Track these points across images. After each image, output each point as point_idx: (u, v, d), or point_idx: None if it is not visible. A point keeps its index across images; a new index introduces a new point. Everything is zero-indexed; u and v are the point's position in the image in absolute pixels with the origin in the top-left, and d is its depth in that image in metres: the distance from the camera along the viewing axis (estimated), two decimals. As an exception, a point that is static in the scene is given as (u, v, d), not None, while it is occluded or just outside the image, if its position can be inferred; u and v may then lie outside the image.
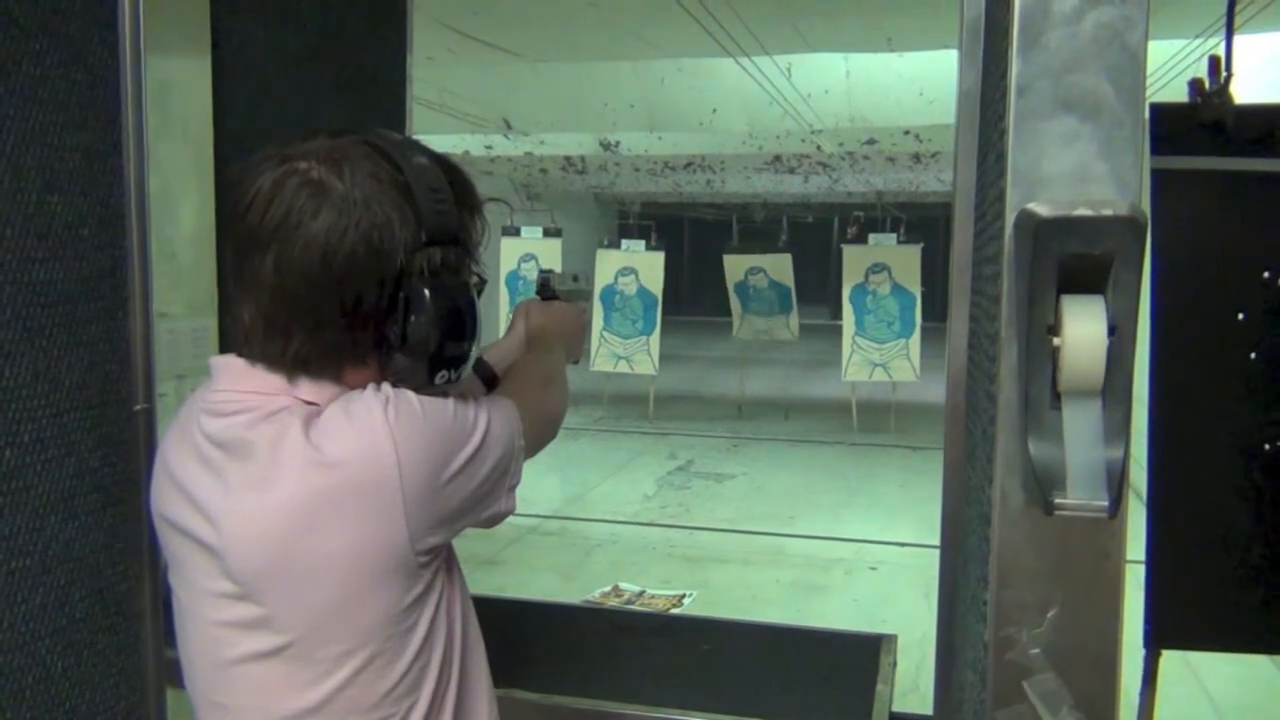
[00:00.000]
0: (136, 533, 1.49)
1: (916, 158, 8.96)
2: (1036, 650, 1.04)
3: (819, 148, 8.51)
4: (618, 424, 9.94)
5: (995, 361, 1.07)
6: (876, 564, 5.83)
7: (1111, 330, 0.96)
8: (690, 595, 5.22)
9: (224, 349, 1.05)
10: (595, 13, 5.08)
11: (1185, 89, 1.38)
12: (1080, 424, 0.97)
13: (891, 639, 1.91)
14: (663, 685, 1.71)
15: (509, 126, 7.83)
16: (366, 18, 2.08)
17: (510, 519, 1.11)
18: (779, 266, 10.27)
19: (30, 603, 1.32)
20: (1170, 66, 4.67)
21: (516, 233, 9.61)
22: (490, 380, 1.41)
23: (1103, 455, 0.97)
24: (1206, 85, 1.36)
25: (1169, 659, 1.45)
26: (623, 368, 9.75)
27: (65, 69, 1.35)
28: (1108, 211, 0.98)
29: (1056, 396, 0.99)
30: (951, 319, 1.47)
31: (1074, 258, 0.98)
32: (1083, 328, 0.96)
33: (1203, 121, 1.38)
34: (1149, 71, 1.01)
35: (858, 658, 1.84)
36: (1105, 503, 0.95)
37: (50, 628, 1.35)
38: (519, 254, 9.64)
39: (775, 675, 1.78)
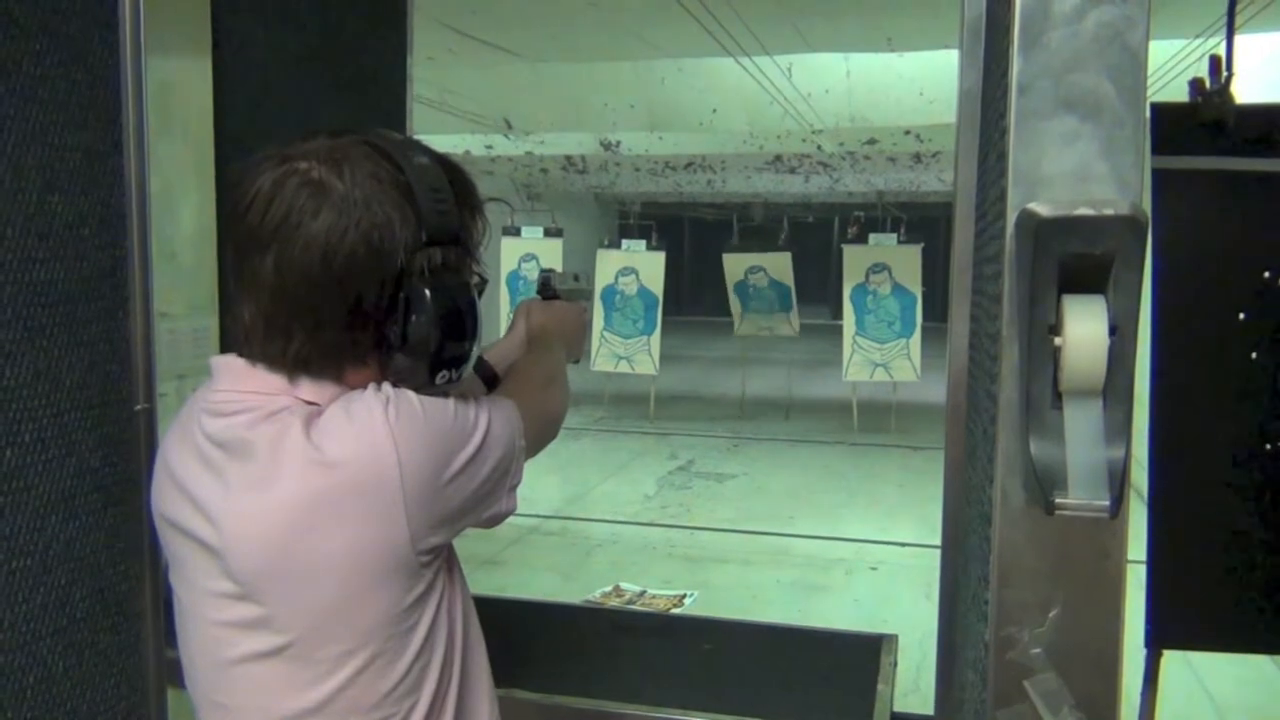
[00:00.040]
0: (137, 533, 1.49)
1: (917, 157, 8.96)
2: (1037, 650, 1.04)
3: (819, 147, 8.51)
4: (618, 424, 9.94)
5: (996, 361, 1.07)
6: (877, 564, 5.82)
7: (1112, 330, 0.96)
8: (691, 595, 5.22)
9: (224, 349, 1.05)
10: (595, 13, 5.08)
11: (1186, 89, 1.38)
12: (1081, 424, 0.97)
13: (892, 639, 1.91)
14: (663, 685, 1.71)
15: (509, 126, 7.83)
16: (366, 18, 2.08)
17: (511, 519, 1.11)
18: (779, 265, 10.27)
19: (31, 602, 1.32)
20: (1171, 66, 4.66)
21: (517, 233, 9.61)
22: (491, 380, 1.41)
23: (1104, 455, 0.97)
24: (1207, 85, 1.36)
25: (1170, 659, 1.45)
26: (623, 368, 9.75)
27: (66, 69, 1.35)
28: (1109, 211, 0.98)
29: (1057, 396, 0.99)
30: (952, 319, 1.47)
31: (1075, 257, 0.98)
32: (1084, 327, 0.96)
33: (1203, 121, 1.37)
34: (1149, 71, 1.01)
35: (859, 658, 1.84)
36: (1106, 502, 0.95)
37: (51, 627, 1.36)
38: (520, 254, 9.64)
39: (776, 675, 1.78)
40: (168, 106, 1.96)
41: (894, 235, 9.45)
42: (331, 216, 0.95)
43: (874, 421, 9.55)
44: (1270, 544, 1.40)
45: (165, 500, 1.05)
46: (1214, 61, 1.36)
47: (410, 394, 0.99)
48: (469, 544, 1.08)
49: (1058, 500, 0.96)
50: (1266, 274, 1.39)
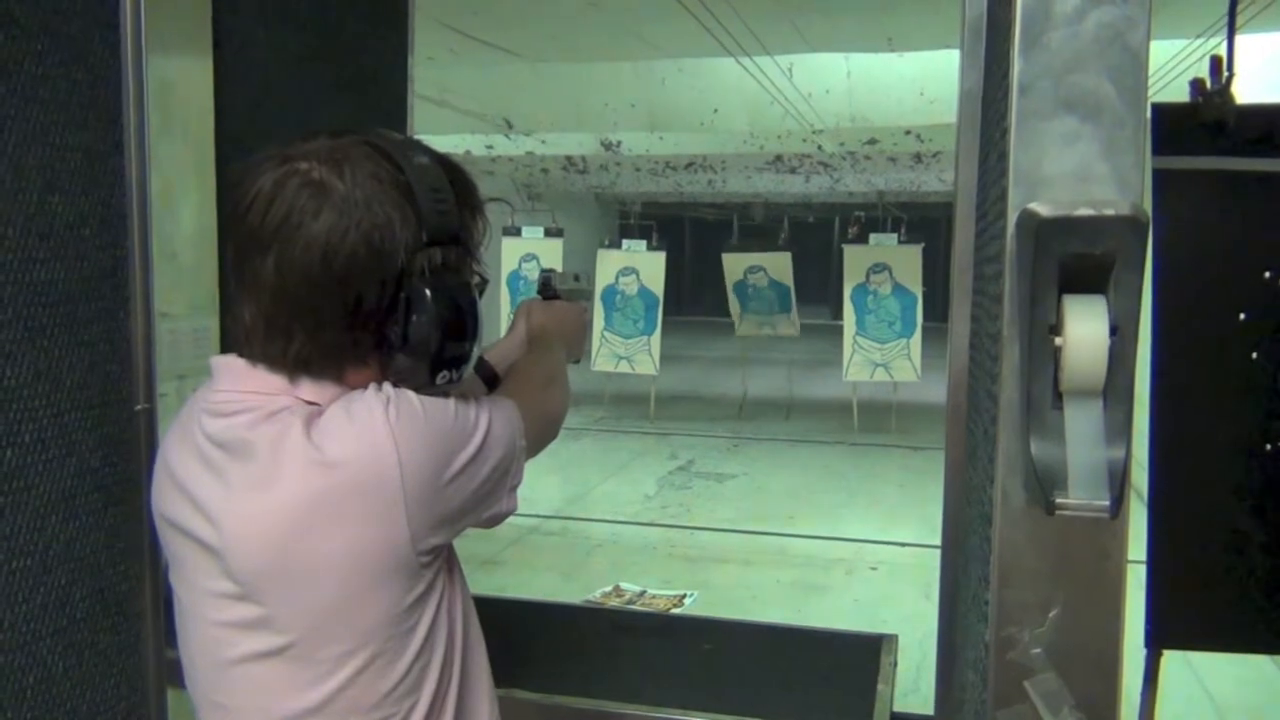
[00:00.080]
0: (137, 533, 1.49)
1: (918, 157, 8.96)
2: (1038, 650, 1.04)
3: (820, 148, 8.51)
4: (618, 424, 9.94)
5: (997, 361, 1.07)
6: (877, 564, 5.82)
7: (1113, 330, 0.96)
8: (691, 595, 5.22)
9: (225, 349, 1.05)
10: (595, 13, 5.08)
11: (1187, 89, 1.38)
12: (1082, 424, 0.97)
13: (892, 639, 1.91)
14: (663, 685, 1.71)
15: (510, 126, 7.83)
16: (367, 18, 2.08)
17: (511, 519, 1.11)
18: (778, 265, 10.26)
19: (31, 602, 1.32)
20: (1172, 66, 4.66)
21: (517, 233, 9.61)
22: (491, 380, 1.41)
23: (1104, 455, 0.97)
24: (1208, 85, 1.36)
25: (1170, 659, 1.45)
26: (624, 368, 9.75)
27: (66, 69, 1.35)
28: (1109, 211, 0.97)
29: (1058, 396, 0.99)
30: (953, 319, 1.47)
31: (1075, 258, 0.98)
32: (1084, 327, 0.96)
33: (1204, 121, 1.37)
34: (1150, 71, 1.01)
35: (859, 658, 1.84)
36: (1107, 503, 0.95)
37: (51, 628, 1.35)
38: (520, 254, 9.64)
39: (776, 675, 1.78)
40: (168, 106, 1.96)
41: (894, 235, 9.45)
42: (332, 217, 0.95)
43: (874, 421, 9.55)
44: (1270, 544, 1.40)
45: (165, 500, 1.05)
46: (1215, 62, 1.36)
47: (411, 394, 0.99)
48: (469, 544, 1.08)
49: (1058, 500, 0.96)
50: (1267, 274, 1.39)
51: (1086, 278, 0.98)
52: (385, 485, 0.95)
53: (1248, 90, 1.36)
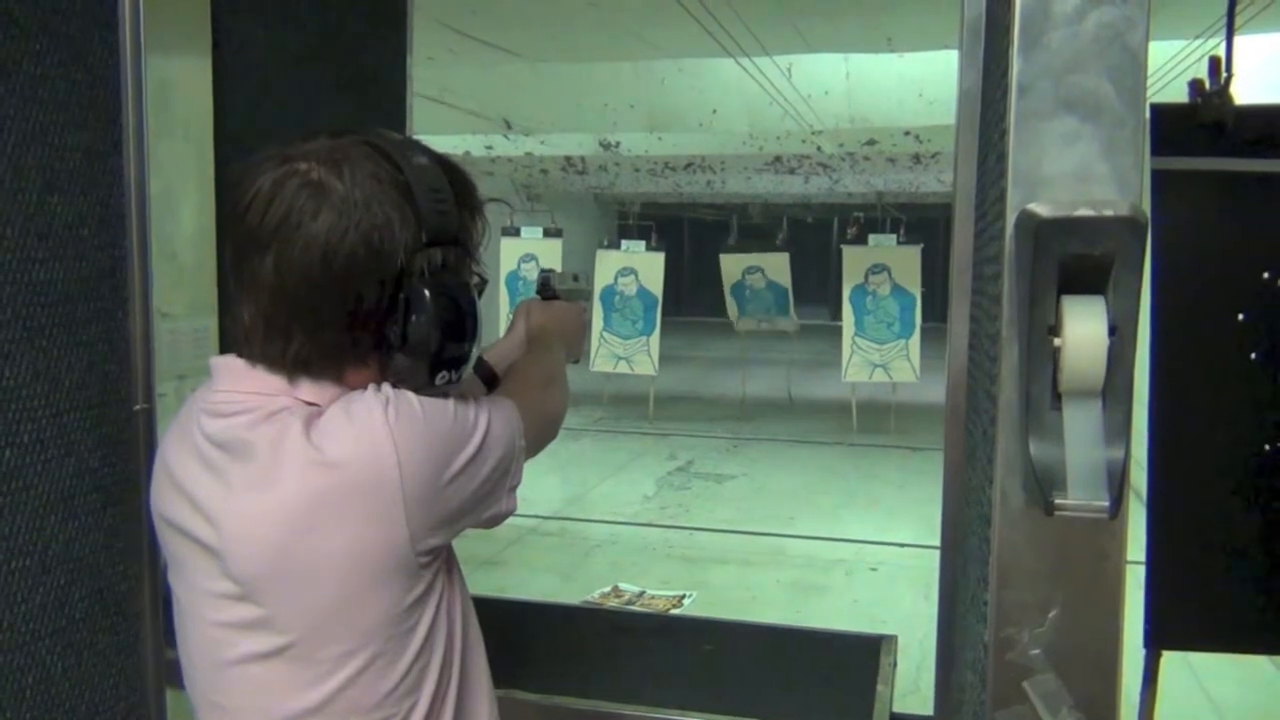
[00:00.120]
0: (136, 533, 1.49)
1: (917, 158, 8.96)
2: (1037, 651, 1.04)
3: (819, 148, 8.50)
4: (618, 424, 9.94)
5: (996, 362, 1.07)
6: (876, 565, 5.82)
7: (1112, 330, 0.96)
8: (690, 596, 5.22)
9: (224, 349, 1.05)
10: (595, 13, 5.08)
11: (1185, 89, 1.38)
12: (1081, 424, 0.97)
13: (892, 639, 1.91)
14: (663, 686, 1.71)
15: (509, 126, 7.83)
16: (366, 18, 2.08)
17: (510, 519, 1.11)
18: (776, 266, 10.27)
19: (30, 603, 1.32)
20: (1171, 67, 4.66)
21: (516, 233, 9.61)
22: (490, 380, 1.41)
23: (1103, 456, 0.97)
24: (1207, 86, 1.36)
25: (1169, 659, 1.45)
26: (623, 368, 9.75)
27: (66, 69, 1.35)
28: (1108, 212, 0.97)
29: (1057, 397, 0.99)
30: (952, 319, 1.47)
31: (1075, 258, 0.98)
32: (1083, 328, 0.96)
33: (1203, 122, 1.37)
34: (1149, 72, 1.01)
35: (858, 658, 1.84)
36: (1106, 503, 0.95)
37: (50, 628, 1.35)
38: (519, 254, 9.64)
39: (775, 676, 1.78)
40: (168, 106, 1.96)
41: (893, 236, 9.46)
42: (331, 217, 0.95)
43: (873, 422, 9.55)
44: (1269, 545, 1.40)
45: (164, 500, 1.05)
46: (1213, 62, 1.36)
47: (410, 395, 0.99)
48: (468, 544, 1.08)
49: (1057, 501, 0.96)
50: (1266, 274, 1.39)
51: (1086, 278, 0.98)
52: (384, 486, 0.95)
53: (1246, 91, 1.37)
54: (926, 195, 13.35)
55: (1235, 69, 1.35)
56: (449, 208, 1.02)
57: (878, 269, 9.15)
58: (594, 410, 10.23)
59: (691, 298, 19.72)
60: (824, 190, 13.06)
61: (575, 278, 1.61)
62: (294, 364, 0.99)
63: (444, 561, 1.05)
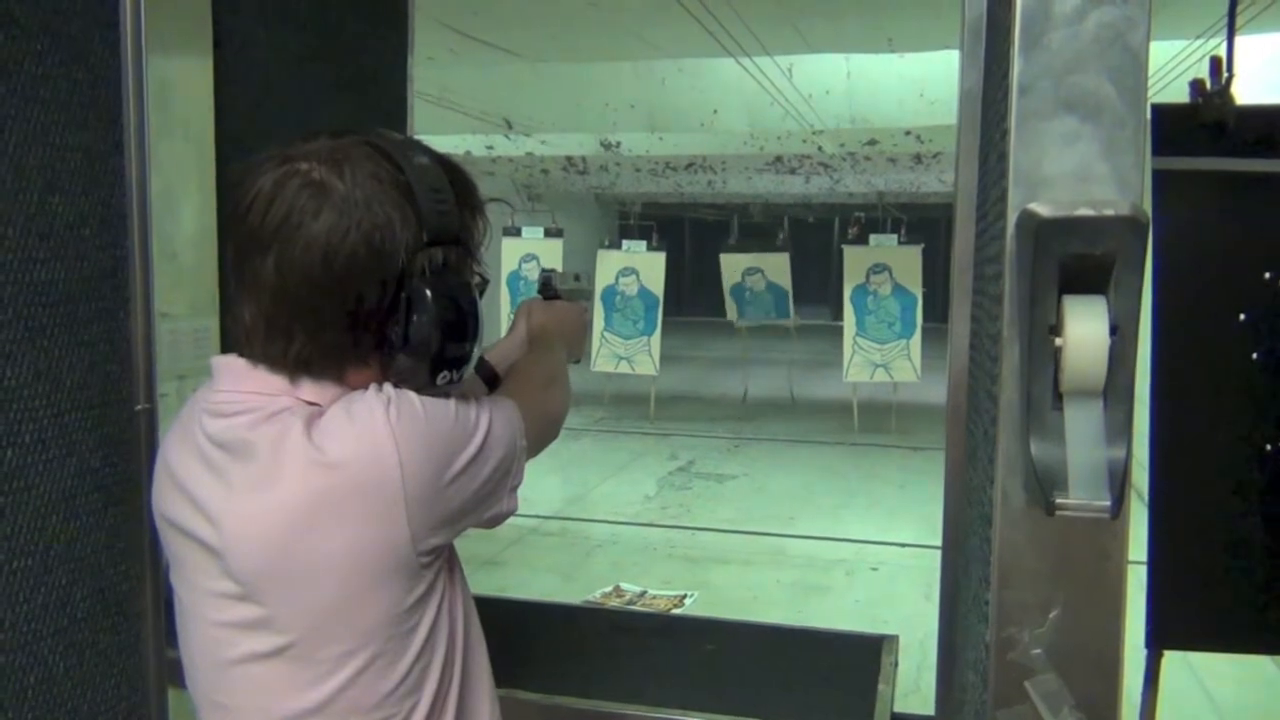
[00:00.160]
0: (138, 533, 1.49)
1: (918, 158, 8.96)
2: (1038, 651, 1.04)
3: (820, 148, 8.50)
4: (619, 424, 9.94)
5: (997, 362, 1.07)
6: (877, 564, 5.82)
7: (1113, 330, 0.96)
8: (691, 596, 5.22)
9: (225, 349, 1.05)
10: (595, 13, 5.09)
11: (1186, 90, 1.38)
12: (1082, 424, 0.97)
13: (893, 639, 1.91)
14: (664, 686, 1.71)
15: (510, 126, 7.83)
16: (367, 18, 2.09)
17: (511, 519, 1.11)
18: (776, 266, 10.26)
19: (32, 602, 1.32)
20: (1172, 67, 4.66)
21: (518, 233, 9.62)
22: (492, 380, 1.41)
23: (1104, 455, 0.97)
24: (1208, 86, 1.36)
25: (1170, 659, 1.45)
26: (624, 368, 9.75)
27: (67, 69, 1.35)
28: (1109, 212, 0.97)
29: (1058, 397, 0.99)
30: (953, 319, 1.47)
31: (1075, 258, 0.98)
32: (1084, 328, 0.96)
33: (1204, 122, 1.38)
34: (1150, 72, 1.01)
35: (859, 658, 1.84)
36: (1107, 503, 0.95)
37: (52, 628, 1.35)
38: (520, 254, 9.65)
39: (777, 676, 1.78)
40: (169, 106, 1.96)
41: (894, 236, 9.47)
42: (332, 217, 0.95)
43: (874, 422, 9.55)
44: (1271, 545, 1.40)
45: (166, 500, 1.05)
46: (1214, 62, 1.36)
47: (411, 395, 0.99)
48: (469, 544, 1.08)
49: (1058, 501, 0.96)
50: (1267, 274, 1.39)
51: (1086, 278, 0.98)
52: (386, 486, 0.95)
53: (1247, 91, 1.37)
54: (927, 195, 13.35)
55: (1236, 69, 1.35)
56: (450, 207, 1.02)
57: (879, 269, 9.15)
58: (595, 410, 10.23)
59: (692, 298, 19.72)
60: (825, 190, 13.06)
61: (576, 277, 1.61)
62: (295, 364, 0.99)
63: (445, 561, 1.05)
